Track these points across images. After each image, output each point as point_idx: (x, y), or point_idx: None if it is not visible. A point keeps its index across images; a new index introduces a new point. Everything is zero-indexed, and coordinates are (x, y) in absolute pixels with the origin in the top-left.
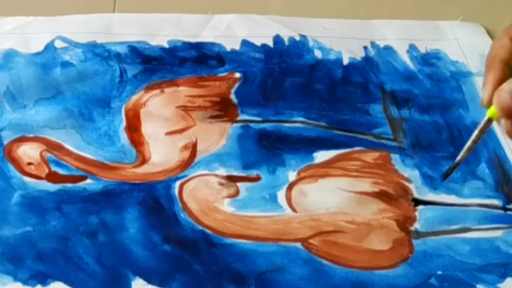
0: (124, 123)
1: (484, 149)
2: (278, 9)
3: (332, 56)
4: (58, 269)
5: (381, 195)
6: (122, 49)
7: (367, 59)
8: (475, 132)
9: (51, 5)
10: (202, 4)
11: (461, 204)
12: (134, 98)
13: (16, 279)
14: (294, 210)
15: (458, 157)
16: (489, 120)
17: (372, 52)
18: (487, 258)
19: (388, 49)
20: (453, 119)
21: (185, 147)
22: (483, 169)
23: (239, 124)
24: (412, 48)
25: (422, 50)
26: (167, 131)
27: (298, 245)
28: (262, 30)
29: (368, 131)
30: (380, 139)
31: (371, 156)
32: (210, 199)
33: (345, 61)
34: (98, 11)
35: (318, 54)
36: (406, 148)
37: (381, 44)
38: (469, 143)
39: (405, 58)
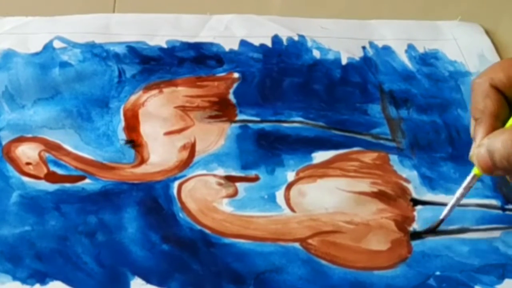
0: (122, 123)
1: None
2: (277, 9)
3: (330, 56)
4: (56, 268)
5: (379, 195)
6: (120, 49)
7: (365, 59)
8: (460, 190)
9: (51, 5)
10: (201, 4)
11: (459, 205)
12: (133, 98)
13: (14, 278)
14: (292, 210)
15: (443, 214)
16: (474, 177)
17: (370, 52)
18: (485, 259)
19: (386, 49)
20: (451, 119)
21: (184, 147)
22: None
23: (237, 124)
24: (410, 48)
25: (421, 50)
26: (166, 131)
27: (297, 245)
28: (261, 30)
29: (366, 131)
30: (378, 139)
31: (369, 157)
32: (209, 199)
33: (344, 61)
34: (98, 11)
35: (316, 54)
36: (405, 148)
37: (380, 44)
38: (454, 200)
39: (404, 58)
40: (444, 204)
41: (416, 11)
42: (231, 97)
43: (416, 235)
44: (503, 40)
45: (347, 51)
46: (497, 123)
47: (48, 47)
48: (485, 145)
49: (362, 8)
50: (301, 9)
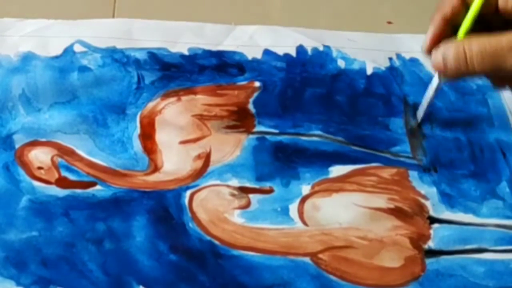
0: (138, 130)
1: (506, 167)
2: (276, 20)
3: (355, 66)
4: (61, 275)
5: (395, 212)
6: (141, 55)
7: (391, 68)
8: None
9: (49, 7)
10: (199, 13)
11: (478, 224)
12: (150, 105)
13: (18, 284)
14: (305, 224)
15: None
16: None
17: (397, 63)
18: (501, 280)
19: (414, 61)
20: (476, 137)
21: (199, 156)
22: (504, 188)
23: (254, 136)
24: None
25: None
26: (181, 140)
27: (307, 259)
28: (286, 41)
29: (386, 149)
30: (398, 157)
31: (388, 172)
32: (220, 209)
33: (369, 71)
34: (96, 16)
35: (341, 64)
36: (425, 165)
37: (407, 56)
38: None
39: (432, 70)
40: (462, 223)
41: None
42: (250, 106)
43: (431, 253)
44: None
45: (373, 61)
46: (447, 28)
47: (68, 50)
48: (440, 51)
49: (371, 18)
50: (302, 18)
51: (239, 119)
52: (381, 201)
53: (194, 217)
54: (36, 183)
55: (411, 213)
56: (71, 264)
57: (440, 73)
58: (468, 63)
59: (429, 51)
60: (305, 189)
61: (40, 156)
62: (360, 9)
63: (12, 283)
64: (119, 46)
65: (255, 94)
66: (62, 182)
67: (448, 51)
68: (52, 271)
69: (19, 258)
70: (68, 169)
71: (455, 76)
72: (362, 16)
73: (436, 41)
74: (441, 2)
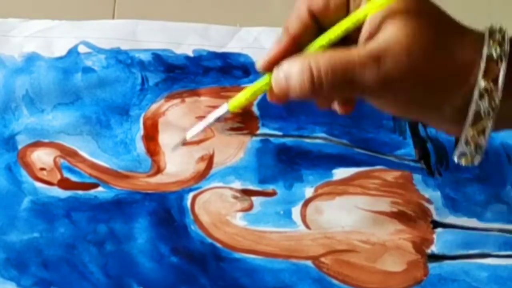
0: (141, 132)
1: (511, 171)
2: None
3: None
4: (62, 277)
5: (399, 216)
6: (145, 57)
7: None
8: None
9: (47, 8)
10: (200, 14)
11: (481, 228)
12: (154, 106)
13: (19, 285)
14: (308, 227)
15: (189, 134)
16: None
17: None
18: (504, 286)
19: None
20: None
21: (202, 158)
22: (508, 192)
23: (258, 138)
24: None
25: None
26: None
27: (309, 263)
28: None
29: (390, 152)
30: (402, 160)
31: (392, 175)
32: (223, 212)
33: None
34: (96, 16)
35: None
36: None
37: None
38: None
39: None
40: (466, 228)
41: None
42: (254, 109)
43: (434, 258)
44: None
45: None
46: (295, 46)
47: (72, 51)
48: (283, 69)
49: None
50: None
51: (243, 121)
52: (384, 204)
53: (196, 220)
54: (38, 184)
55: (414, 217)
56: (72, 265)
57: (273, 95)
58: (315, 81)
59: (267, 69)
60: (308, 191)
61: (42, 157)
62: None
63: (13, 285)
64: (124, 47)
65: (259, 96)
66: (64, 184)
67: (292, 68)
68: (53, 272)
69: (20, 259)
70: (70, 170)
71: (299, 97)
72: None
73: (278, 59)
74: (289, 18)
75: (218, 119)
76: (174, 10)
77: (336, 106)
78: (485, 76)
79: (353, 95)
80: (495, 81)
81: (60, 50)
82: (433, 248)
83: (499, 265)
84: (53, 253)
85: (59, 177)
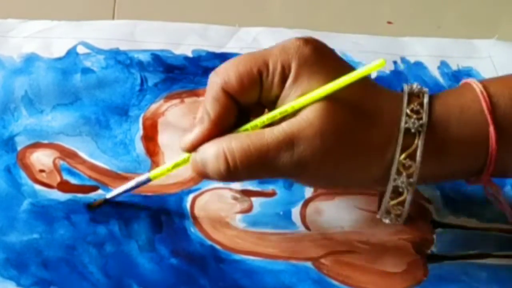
0: (141, 132)
1: None
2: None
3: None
4: (61, 277)
5: None
6: (144, 57)
7: (395, 72)
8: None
9: (46, 9)
10: (199, 14)
11: (481, 228)
12: (153, 107)
13: (18, 284)
14: (307, 228)
15: (110, 194)
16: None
17: (401, 67)
18: (505, 286)
19: (418, 64)
20: None
21: None
22: (508, 192)
23: None
24: (443, 64)
25: (454, 67)
26: None
27: (309, 264)
28: None
29: None
30: None
31: None
32: (222, 214)
33: (373, 74)
34: (96, 16)
35: None
36: None
37: (412, 59)
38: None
39: (436, 73)
40: (466, 228)
41: (453, 31)
42: None
43: (434, 258)
44: None
45: None
46: (217, 128)
47: (71, 52)
48: (199, 155)
49: (371, 19)
50: (302, 18)
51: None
52: None
53: (196, 222)
54: (38, 187)
55: (414, 217)
56: (71, 266)
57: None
58: (230, 167)
59: (189, 150)
60: (308, 191)
61: (42, 159)
62: (360, 9)
63: (12, 284)
64: (123, 47)
65: None
66: (64, 186)
67: (207, 153)
68: (52, 272)
69: (20, 259)
70: (70, 172)
71: (219, 180)
72: (362, 16)
73: (201, 142)
74: (206, 100)
75: (138, 186)
76: (174, 11)
77: None
78: (402, 152)
79: (272, 178)
80: (413, 157)
81: (59, 50)
82: (433, 249)
83: (499, 265)
84: (52, 253)
85: (58, 179)
